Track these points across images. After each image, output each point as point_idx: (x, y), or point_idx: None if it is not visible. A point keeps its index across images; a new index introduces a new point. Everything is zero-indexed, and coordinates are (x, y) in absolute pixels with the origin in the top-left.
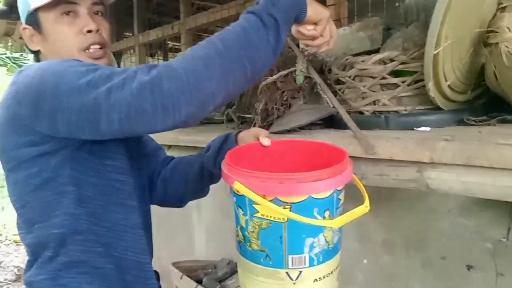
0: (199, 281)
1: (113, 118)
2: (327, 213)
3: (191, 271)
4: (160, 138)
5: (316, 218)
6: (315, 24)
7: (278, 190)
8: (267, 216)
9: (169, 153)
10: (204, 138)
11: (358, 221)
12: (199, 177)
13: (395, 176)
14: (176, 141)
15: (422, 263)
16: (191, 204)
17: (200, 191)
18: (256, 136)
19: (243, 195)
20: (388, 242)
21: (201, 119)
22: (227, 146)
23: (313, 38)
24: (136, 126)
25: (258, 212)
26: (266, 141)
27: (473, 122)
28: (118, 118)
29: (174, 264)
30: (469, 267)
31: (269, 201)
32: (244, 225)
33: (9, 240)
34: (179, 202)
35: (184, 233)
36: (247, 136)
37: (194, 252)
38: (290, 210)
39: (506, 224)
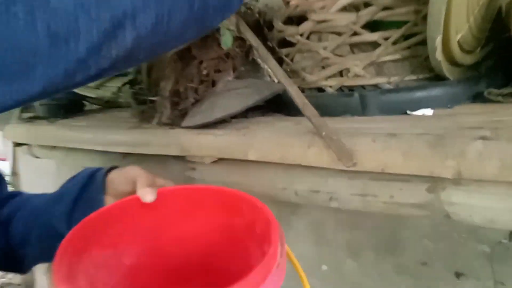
0: None
1: None
2: None
3: None
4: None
5: None
6: None
7: None
8: None
9: (69, 158)
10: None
11: (315, 219)
12: (45, 237)
13: (388, 197)
14: (67, 141)
15: (397, 270)
16: None
17: (50, 255)
18: (133, 182)
19: None
20: (353, 244)
21: (110, 58)
22: (89, 196)
23: None
24: (14, 76)
25: None
26: (147, 196)
27: (500, 98)
28: None
29: None
30: (458, 275)
31: None
32: None
33: None
34: (19, 265)
35: None
36: (120, 181)
37: None
38: None
39: None
